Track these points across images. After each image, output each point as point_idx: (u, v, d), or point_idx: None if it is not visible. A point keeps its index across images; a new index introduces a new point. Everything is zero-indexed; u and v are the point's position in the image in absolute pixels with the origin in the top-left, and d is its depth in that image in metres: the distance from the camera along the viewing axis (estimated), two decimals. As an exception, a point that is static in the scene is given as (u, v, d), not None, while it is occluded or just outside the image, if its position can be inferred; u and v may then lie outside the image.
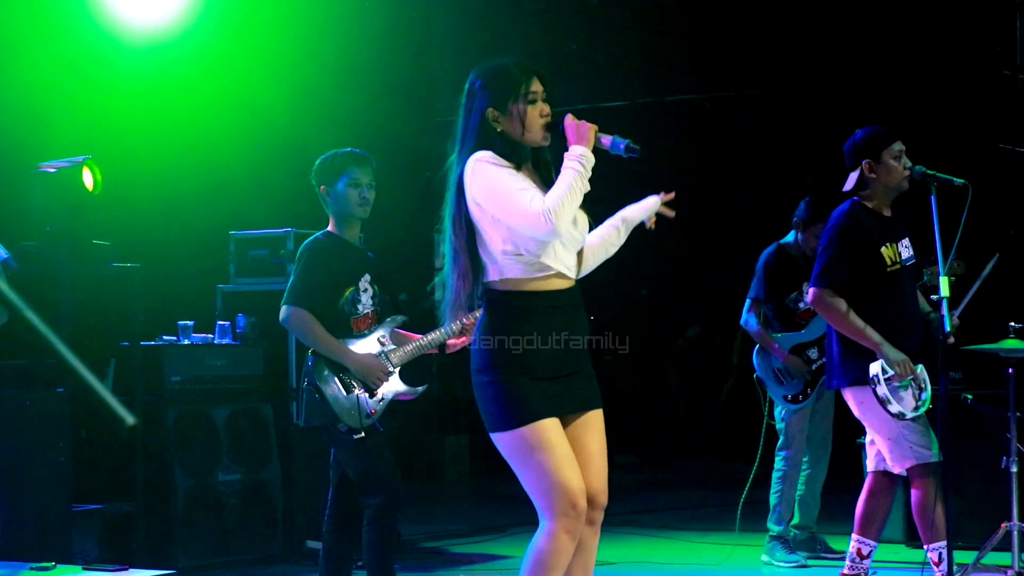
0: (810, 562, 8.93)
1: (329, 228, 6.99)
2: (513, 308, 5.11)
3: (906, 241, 7.12)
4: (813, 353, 8.92)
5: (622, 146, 5.17)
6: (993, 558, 7.63)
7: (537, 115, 5.18)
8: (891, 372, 6.82)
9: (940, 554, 6.86)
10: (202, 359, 8.94)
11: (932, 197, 6.72)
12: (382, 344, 6.91)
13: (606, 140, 5.18)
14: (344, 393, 6.74)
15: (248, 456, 9.01)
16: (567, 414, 5.19)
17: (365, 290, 6.94)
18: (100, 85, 10.04)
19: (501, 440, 5.11)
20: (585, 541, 5.25)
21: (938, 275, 6.67)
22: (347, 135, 9.96)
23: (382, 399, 6.83)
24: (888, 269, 6.98)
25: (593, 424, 5.28)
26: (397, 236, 12.28)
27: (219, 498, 8.83)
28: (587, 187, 5.09)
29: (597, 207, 5.34)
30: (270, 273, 9.35)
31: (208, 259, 10.19)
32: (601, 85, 14.33)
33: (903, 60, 11.67)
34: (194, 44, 10.68)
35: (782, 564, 8.86)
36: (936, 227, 6.63)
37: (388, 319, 7.01)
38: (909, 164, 7.05)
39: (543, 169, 5.26)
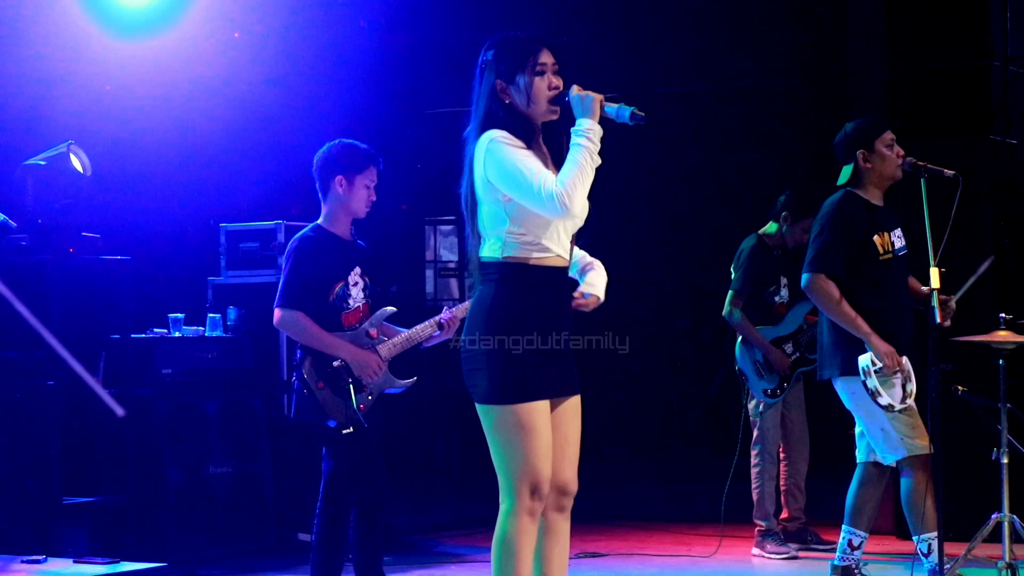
0: (801, 554, 8.94)
1: (319, 221, 6.96)
2: (513, 280, 5.11)
3: (898, 231, 7.13)
4: (788, 347, 8.93)
5: (627, 114, 5.13)
6: (983, 550, 7.63)
7: (544, 87, 5.14)
8: (880, 364, 6.82)
9: (930, 545, 6.86)
10: (193, 351, 8.92)
11: (922, 188, 6.72)
12: (371, 338, 6.90)
13: (611, 109, 5.14)
14: (333, 388, 6.73)
15: (239, 448, 9.00)
16: (556, 396, 5.21)
17: (355, 283, 6.92)
18: (89, 76, 10.01)
19: (490, 413, 5.12)
20: (557, 527, 5.30)
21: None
22: (337, 126, 9.93)
23: (371, 394, 6.82)
24: (881, 257, 6.99)
25: (573, 411, 5.31)
26: (388, 228, 12.27)
27: (210, 490, 8.82)
28: (597, 160, 5.07)
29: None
30: (261, 265, 9.33)
31: (199, 252, 10.18)
32: (591, 77, 14.30)
33: (892, 52, 11.67)
34: (184, 35, 10.65)
35: (773, 556, 8.86)
36: (926, 218, 6.63)
37: (378, 312, 7.00)
38: (902, 152, 7.07)
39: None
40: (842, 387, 7.05)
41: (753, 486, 9.01)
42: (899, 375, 6.92)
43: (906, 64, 11.44)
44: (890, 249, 7.04)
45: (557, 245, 5.15)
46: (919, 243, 6.84)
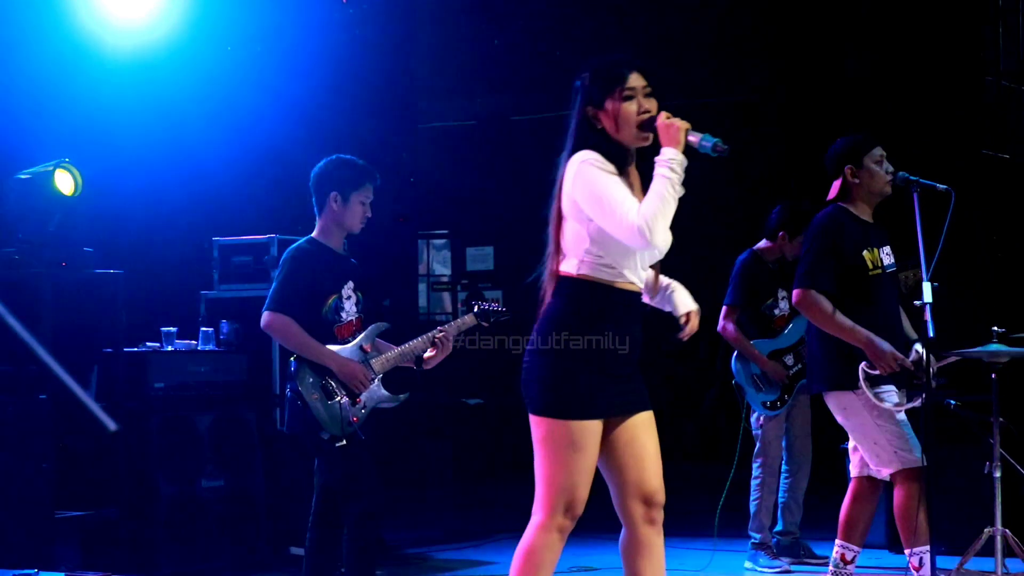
0: (794, 568, 8.94)
1: (314, 234, 6.98)
2: (588, 299, 5.13)
3: (888, 248, 7.14)
4: (789, 359, 8.94)
5: (709, 145, 5.12)
6: (976, 563, 7.63)
7: (633, 112, 5.14)
8: (878, 371, 6.81)
9: (921, 559, 6.86)
10: (185, 365, 8.92)
11: (915, 203, 6.73)
12: (365, 351, 6.91)
13: (694, 139, 5.12)
14: (326, 400, 6.73)
15: (232, 462, 8.99)
16: (619, 414, 5.22)
17: (348, 297, 6.94)
18: (83, 91, 10.00)
19: (542, 424, 5.13)
20: (649, 541, 5.29)
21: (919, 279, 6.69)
22: (330, 141, 9.94)
23: (364, 407, 6.83)
24: (870, 273, 7.00)
25: (647, 424, 5.30)
26: (381, 241, 12.27)
27: (202, 504, 8.81)
28: (681, 191, 5.07)
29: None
30: (254, 279, 9.34)
31: (192, 265, 10.17)
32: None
33: (886, 67, 11.69)
34: (178, 49, 10.64)
35: (765, 570, 8.86)
36: (919, 233, 6.64)
37: (371, 326, 7.00)
38: (891, 169, 7.08)
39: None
40: (833, 401, 7.05)
41: (751, 498, 9.00)
42: (894, 390, 6.92)
43: (899, 79, 11.46)
44: (879, 265, 7.05)
45: (633, 272, 5.17)
46: (913, 257, 6.85)
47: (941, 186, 6.81)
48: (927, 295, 6.59)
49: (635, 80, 5.16)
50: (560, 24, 14.54)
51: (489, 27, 14.60)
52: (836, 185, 7.16)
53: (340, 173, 6.93)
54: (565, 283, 5.18)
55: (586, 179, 5.07)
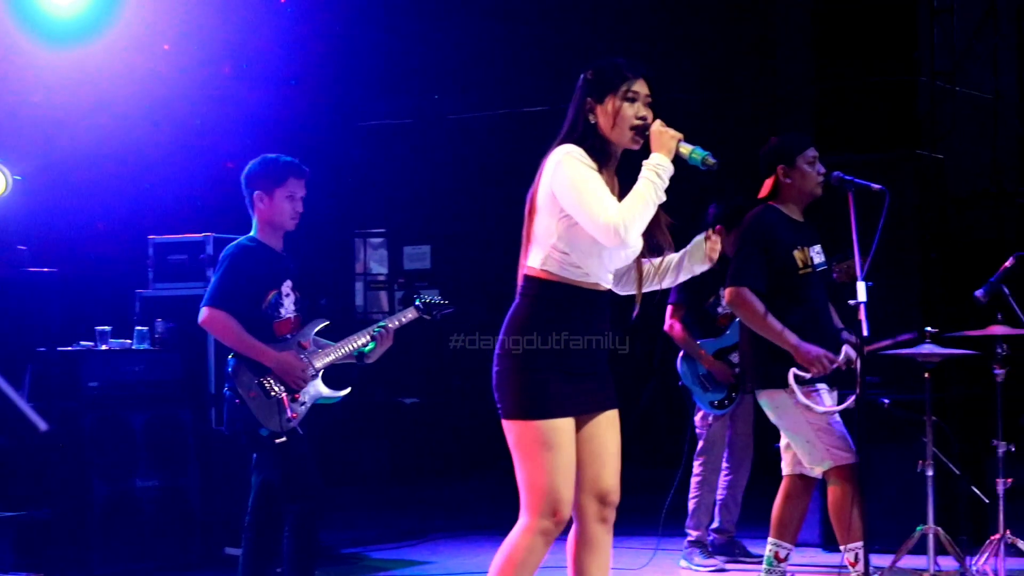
0: (728, 566, 8.97)
1: (253, 233, 6.96)
2: (551, 300, 5.15)
3: (818, 247, 7.17)
4: (734, 358, 8.95)
5: (699, 159, 5.17)
6: (909, 561, 7.69)
7: (632, 115, 5.17)
8: (809, 374, 6.84)
9: (856, 555, 6.90)
10: (120, 364, 8.87)
11: (850, 203, 6.76)
12: (304, 348, 6.90)
13: (684, 150, 5.16)
14: (265, 397, 6.71)
15: (166, 462, 8.95)
16: (587, 412, 5.24)
17: (288, 295, 6.93)
18: (14, 87, 9.93)
19: (513, 428, 5.15)
20: (597, 539, 5.34)
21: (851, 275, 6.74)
22: (267, 139, 9.91)
23: (304, 403, 6.81)
24: (800, 272, 7.03)
25: (611, 423, 5.34)
26: (317, 240, 12.24)
27: (137, 504, 8.77)
28: (662, 197, 5.11)
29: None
30: (189, 278, 9.29)
31: (127, 264, 10.11)
32: (520, 91, 14.35)
33: (820, 67, 11.73)
34: (112, 44, 10.57)
35: (700, 568, 8.89)
36: (855, 232, 6.67)
37: (311, 323, 7.00)
38: (823, 170, 7.12)
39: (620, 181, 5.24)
40: (765, 399, 7.08)
41: (691, 495, 9.03)
42: (826, 388, 6.96)
43: (833, 79, 11.50)
44: (809, 264, 7.08)
45: (598, 273, 5.18)
46: (851, 254, 6.88)
47: (876, 186, 6.84)
48: (861, 294, 6.62)
49: (640, 86, 5.21)
50: (497, 24, 14.53)
51: (426, 25, 14.58)
52: (768, 184, 7.19)
53: (261, 171, 6.94)
54: (529, 283, 5.19)
55: (566, 171, 5.08)
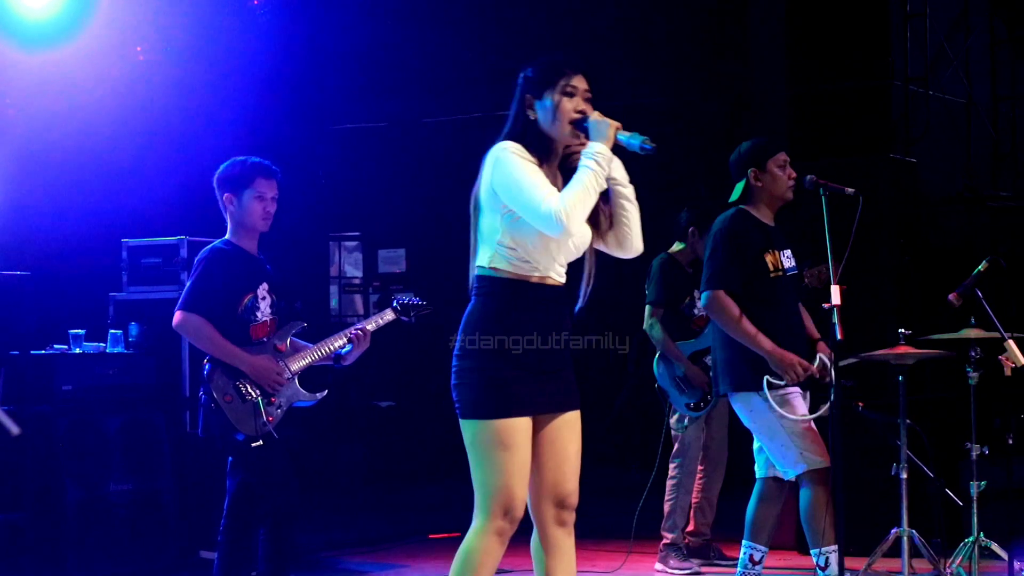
0: (703, 569, 8.98)
1: (227, 236, 6.95)
2: (503, 296, 5.14)
3: (788, 252, 7.19)
4: (709, 360, 8.96)
5: (636, 144, 5.17)
6: (883, 564, 7.71)
7: (570, 108, 5.17)
8: (784, 380, 6.85)
9: (828, 558, 6.91)
10: (94, 368, 8.83)
11: (823, 206, 6.77)
12: (280, 351, 6.89)
13: (623, 137, 5.18)
14: (241, 401, 6.69)
15: (140, 466, 8.92)
16: (546, 412, 5.21)
17: (264, 298, 6.91)
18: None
19: (468, 426, 5.13)
20: (559, 543, 5.30)
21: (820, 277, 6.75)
22: (240, 141, 9.89)
23: (280, 406, 6.80)
24: (771, 275, 7.04)
25: (571, 425, 5.31)
26: (291, 243, 12.22)
27: (111, 508, 8.74)
28: (603, 185, 5.11)
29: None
30: (163, 281, 9.27)
31: (100, 267, 10.09)
32: (494, 95, 14.33)
33: (793, 71, 11.77)
34: (86, 48, 10.54)
35: (675, 571, 8.90)
36: (828, 236, 6.68)
37: (287, 325, 6.99)
38: (794, 174, 7.13)
39: (565, 175, 5.23)
40: (738, 402, 7.09)
41: (666, 497, 9.03)
42: (799, 392, 6.97)
43: (807, 83, 11.54)
44: (780, 268, 7.09)
45: (549, 266, 5.17)
46: (822, 259, 6.90)
47: (849, 190, 6.86)
48: (835, 298, 6.63)
49: (579, 81, 5.21)
50: (471, 27, 14.54)
51: (401, 29, 14.57)
52: (738, 188, 7.20)
53: (230, 173, 6.93)
54: (480, 282, 5.19)
55: (504, 165, 5.08)
